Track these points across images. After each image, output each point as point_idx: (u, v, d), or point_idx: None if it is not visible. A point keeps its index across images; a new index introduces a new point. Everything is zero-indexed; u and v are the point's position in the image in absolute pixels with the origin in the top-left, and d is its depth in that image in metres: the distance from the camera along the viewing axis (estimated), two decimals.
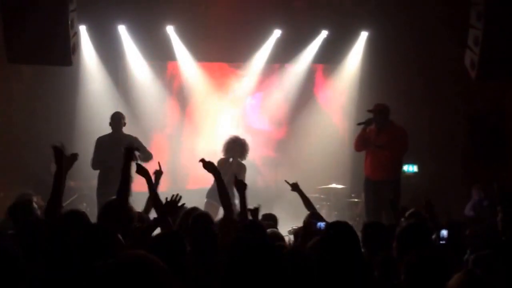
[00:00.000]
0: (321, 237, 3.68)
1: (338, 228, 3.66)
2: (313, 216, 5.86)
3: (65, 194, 5.07)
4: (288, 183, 6.61)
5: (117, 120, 8.17)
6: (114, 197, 4.69)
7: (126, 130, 8.40)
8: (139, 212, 5.10)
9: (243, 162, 8.56)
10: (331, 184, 10.63)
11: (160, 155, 10.21)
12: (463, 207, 9.28)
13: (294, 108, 11.43)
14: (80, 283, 2.34)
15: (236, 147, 8.54)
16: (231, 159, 8.49)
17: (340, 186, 10.62)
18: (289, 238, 6.29)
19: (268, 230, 5.05)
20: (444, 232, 4.44)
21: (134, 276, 1.95)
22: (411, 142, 8.37)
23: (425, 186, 9.99)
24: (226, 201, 5.06)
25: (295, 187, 6.58)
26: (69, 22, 6.98)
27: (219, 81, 11.42)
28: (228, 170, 8.30)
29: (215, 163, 8.01)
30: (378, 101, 8.67)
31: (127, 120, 8.48)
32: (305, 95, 11.43)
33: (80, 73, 10.62)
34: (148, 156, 8.00)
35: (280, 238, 5.05)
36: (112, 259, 2.02)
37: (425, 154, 10.33)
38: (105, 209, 4.63)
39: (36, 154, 10.06)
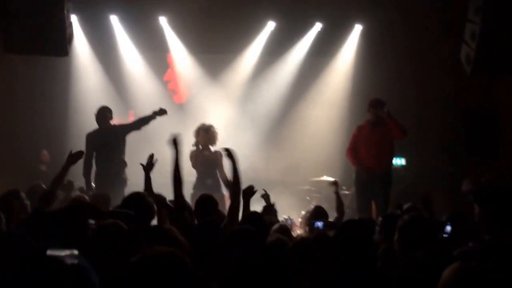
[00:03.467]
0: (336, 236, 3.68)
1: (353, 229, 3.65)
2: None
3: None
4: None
5: (102, 115, 8.12)
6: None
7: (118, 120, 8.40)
8: None
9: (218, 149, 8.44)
10: (322, 176, 10.66)
11: (153, 146, 10.21)
12: (451, 201, 9.33)
13: (287, 101, 11.41)
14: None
15: (200, 134, 8.47)
16: (194, 147, 8.46)
17: (331, 179, 10.63)
18: None
19: (276, 225, 5.10)
20: (448, 227, 4.51)
21: (165, 271, 1.96)
22: None
23: (413, 179, 10.05)
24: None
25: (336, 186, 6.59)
26: (65, 12, 6.93)
27: (213, 73, 11.37)
28: (197, 160, 8.31)
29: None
30: (370, 94, 8.75)
31: (119, 111, 8.44)
32: (298, 87, 11.42)
33: (73, 63, 10.55)
34: (142, 122, 8.11)
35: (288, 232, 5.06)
36: (143, 254, 2.01)
37: (414, 147, 10.38)
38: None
39: (28, 143, 10.01)
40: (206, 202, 5.23)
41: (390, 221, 4.53)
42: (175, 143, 5.23)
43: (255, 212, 5.07)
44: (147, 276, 1.94)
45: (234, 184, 5.18)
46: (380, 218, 5.03)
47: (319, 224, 5.50)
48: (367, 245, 3.50)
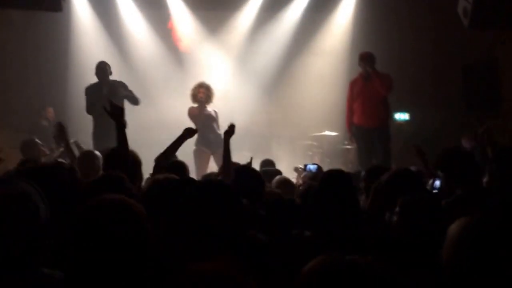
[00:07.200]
0: (318, 185, 3.69)
1: (334, 176, 3.67)
2: None
3: None
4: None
5: (101, 69, 8.13)
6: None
7: (118, 77, 8.39)
8: None
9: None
10: (324, 131, 10.69)
11: (154, 104, 10.27)
12: None
13: (287, 56, 11.33)
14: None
15: (202, 91, 8.47)
16: (196, 104, 8.49)
17: (333, 134, 10.67)
18: None
19: (278, 177, 5.00)
20: (437, 182, 4.44)
21: (115, 216, 1.92)
22: (403, 90, 8.46)
23: (416, 134, 10.04)
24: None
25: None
26: None
27: (212, 29, 11.29)
28: (200, 116, 8.34)
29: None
30: (370, 48, 8.69)
31: (119, 68, 8.43)
32: (298, 42, 11.33)
33: (72, 20, 10.52)
34: (135, 101, 8.12)
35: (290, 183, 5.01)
36: (91, 201, 1.99)
37: (417, 102, 10.35)
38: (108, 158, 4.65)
39: (27, 100, 10.11)
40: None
41: (372, 174, 4.53)
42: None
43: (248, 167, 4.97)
44: (93, 224, 1.90)
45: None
46: (362, 172, 4.98)
47: (312, 167, 5.53)
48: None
